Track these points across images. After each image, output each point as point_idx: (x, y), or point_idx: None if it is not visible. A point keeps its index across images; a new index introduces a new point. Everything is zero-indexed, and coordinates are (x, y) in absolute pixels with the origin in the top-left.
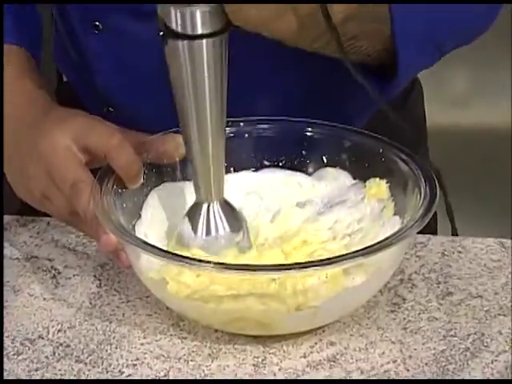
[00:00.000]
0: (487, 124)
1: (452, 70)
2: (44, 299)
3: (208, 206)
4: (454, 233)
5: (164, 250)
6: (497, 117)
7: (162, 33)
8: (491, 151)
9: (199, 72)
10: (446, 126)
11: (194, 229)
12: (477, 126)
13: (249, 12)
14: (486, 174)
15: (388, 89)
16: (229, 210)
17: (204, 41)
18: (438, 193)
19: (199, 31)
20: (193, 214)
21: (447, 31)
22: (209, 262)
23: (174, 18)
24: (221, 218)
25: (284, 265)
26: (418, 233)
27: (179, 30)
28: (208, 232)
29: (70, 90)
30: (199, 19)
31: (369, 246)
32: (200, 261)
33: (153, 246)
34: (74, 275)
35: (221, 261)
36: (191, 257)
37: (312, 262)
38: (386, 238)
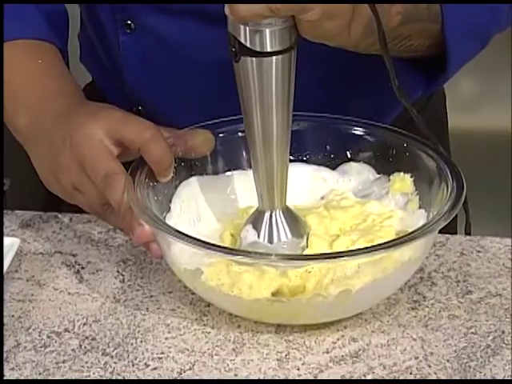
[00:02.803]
0: (496, 127)
1: (460, 74)
2: (69, 293)
3: (271, 214)
4: (467, 222)
5: (202, 241)
6: (506, 120)
7: (233, 49)
8: (500, 155)
9: (267, 86)
10: (456, 129)
11: (258, 236)
12: (486, 129)
13: (324, 26)
14: (496, 176)
15: (435, 82)
16: (292, 217)
17: (274, 58)
18: (465, 186)
19: (268, 49)
20: (256, 221)
21: (491, 24)
22: (244, 251)
23: (244, 35)
24: (283, 225)
25: (314, 255)
26: (440, 231)
27: (249, 46)
28: (271, 239)
29: (95, 90)
30: (269, 37)
31: (399, 238)
32: (235, 250)
33: (191, 237)
34: (97, 270)
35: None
36: (226, 246)
37: (342, 252)
38: (416, 230)
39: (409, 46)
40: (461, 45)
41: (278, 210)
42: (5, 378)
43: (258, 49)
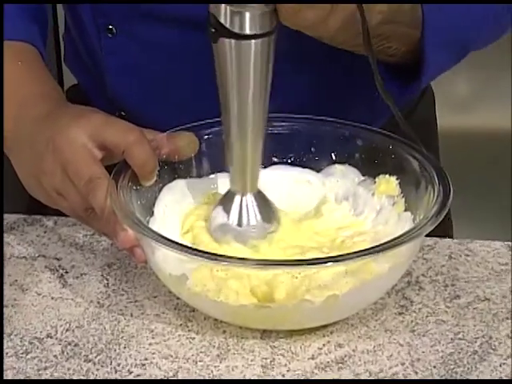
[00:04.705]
0: (489, 127)
1: (454, 74)
2: (52, 298)
3: (242, 197)
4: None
5: (185, 246)
6: (499, 120)
7: (212, 29)
8: (494, 155)
9: (245, 70)
10: (449, 129)
11: (228, 218)
12: (479, 129)
13: (304, 14)
14: (489, 177)
15: (409, 90)
16: (263, 201)
17: (252, 41)
18: (451, 190)
19: (247, 31)
20: (226, 203)
21: (474, 35)
22: (229, 257)
23: (225, 16)
24: (254, 208)
25: (300, 260)
26: (430, 235)
27: (229, 27)
28: (240, 222)
29: (80, 92)
30: (248, 20)
31: (385, 243)
32: (219, 256)
33: (174, 242)
34: (81, 274)
35: (239, 256)
36: (210, 252)
37: (328, 258)
38: (402, 235)
39: (387, 48)
40: (438, 55)
41: (249, 194)
42: None
43: (237, 30)
